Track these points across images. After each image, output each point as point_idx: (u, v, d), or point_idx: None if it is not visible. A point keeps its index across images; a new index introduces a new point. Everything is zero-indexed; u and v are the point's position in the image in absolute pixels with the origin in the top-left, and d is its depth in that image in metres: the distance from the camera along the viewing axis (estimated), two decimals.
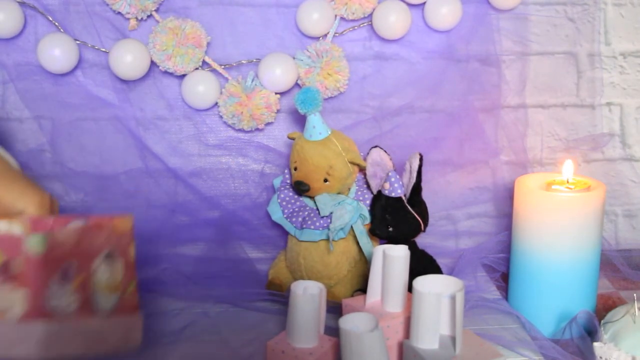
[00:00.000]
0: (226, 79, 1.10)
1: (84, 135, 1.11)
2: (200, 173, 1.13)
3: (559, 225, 0.90)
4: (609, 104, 1.19)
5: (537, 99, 1.17)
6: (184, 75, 1.09)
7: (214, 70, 1.10)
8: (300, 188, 0.99)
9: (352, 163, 0.99)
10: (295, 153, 1.00)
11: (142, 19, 1.08)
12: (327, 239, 0.99)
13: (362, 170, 1.02)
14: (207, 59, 1.09)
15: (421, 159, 0.95)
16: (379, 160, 0.99)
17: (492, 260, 1.10)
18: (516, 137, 1.16)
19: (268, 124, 1.13)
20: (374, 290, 0.86)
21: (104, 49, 1.08)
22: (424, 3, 1.10)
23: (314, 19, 1.08)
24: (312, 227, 0.99)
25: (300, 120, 1.13)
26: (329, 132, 0.99)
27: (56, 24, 1.07)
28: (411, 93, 1.14)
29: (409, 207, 0.96)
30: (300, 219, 1.00)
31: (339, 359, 0.76)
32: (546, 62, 1.16)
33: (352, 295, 1.01)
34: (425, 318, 0.76)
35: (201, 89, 1.08)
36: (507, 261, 1.03)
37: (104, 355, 0.68)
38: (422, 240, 1.03)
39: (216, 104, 1.10)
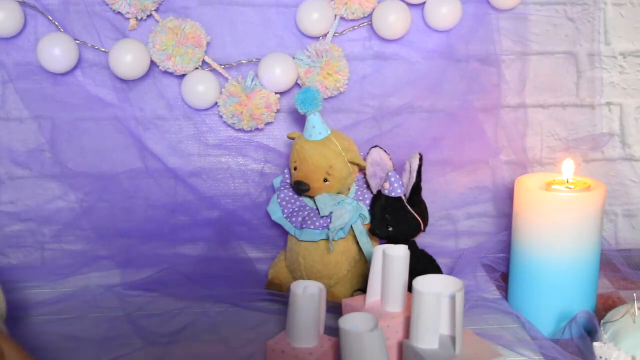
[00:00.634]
0: (226, 79, 1.10)
1: (84, 135, 1.11)
2: (200, 173, 1.13)
3: (559, 225, 0.90)
4: (609, 104, 1.19)
5: (537, 99, 1.17)
6: (184, 75, 1.09)
7: (214, 70, 1.10)
8: (300, 188, 0.99)
9: (352, 163, 0.99)
10: (295, 153, 1.00)
11: (142, 19, 1.08)
12: (327, 239, 0.99)
13: (362, 170, 1.02)
14: (207, 59, 1.09)
15: (421, 159, 0.95)
16: (379, 160, 0.99)
17: (492, 260, 1.10)
18: (516, 137, 1.16)
19: (268, 124, 1.13)
20: (374, 290, 0.86)
21: (104, 49, 1.08)
22: (424, 3, 1.10)
23: (314, 19, 1.08)
24: (312, 227, 0.99)
25: (300, 120, 1.13)
26: (329, 132, 0.99)
27: (56, 23, 1.07)
28: (411, 93, 1.14)
29: (409, 207, 0.96)
30: (300, 219, 1.00)
31: (339, 359, 0.76)
32: (546, 62, 1.16)
33: (352, 295, 1.01)
34: (425, 318, 0.76)
35: (201, 89, 1.08)
36: (507, 261, 1.03)
37: None
38: (422, 240, 1.03)
39: (216, 104, 1.10)
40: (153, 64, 1.07)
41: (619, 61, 1.17)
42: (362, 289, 1.00)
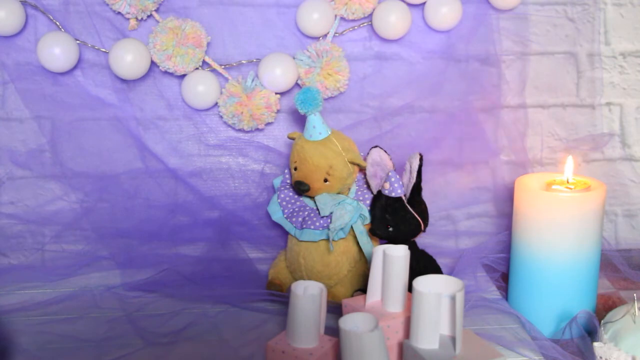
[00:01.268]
0: (226, 79, 1.10)
1: (84, 135, 1.11)
2: (200, 173, 1.13)
3: (559, 225, 0.90)
4: (609, 104, 1.19)
5: (537, 99, 1.17)
6: (184, 75, 1.09)
7: (214, 70, 1.10)
8: (300, 188, 0.99)
9: (352, 163, 0.99)
10: (295, 153, 1.00)
11: (142, 19, 1.08)
12: (327, 239, 0.99)
13: (362, 170, 1.02)
14: (207, 59, 1.09)
15: (421, 159, 0.95)
16: (379, 160, 0.99)
17: (492, 260, 1.10)
18: (516, 137, 1.16)
19: (268, 124, 1.13)
20: (374, 290, 0.86)
21: (104, 49, 1.08)
22: (424, 3, 1.10)
23: (314, 19, 1.08)
24: (312, 227, 0.99)
25: (300, 120, 1.13)
26: (329, 132, 0.99)
27: (57, 23, 1.07)
28: (411, 93, 1.14)
29: (409, 207, 0.96)
30: (300, 219, 1.00)
31: (339, 359, 0.76)
32: (546, 62, 1.16)
33: (352, 295, 1.01)
34: (425, 318, 0.76)
35: (201, 89, 1.08)
36: (507, 261, 1.03)
37: None
38: (422, 240, 1.03)
39: (216, 104, 1.10)
40: (153, 64, 1.07)
41: (619, 61, 1.17)
42: (362, 289, 1.00)
